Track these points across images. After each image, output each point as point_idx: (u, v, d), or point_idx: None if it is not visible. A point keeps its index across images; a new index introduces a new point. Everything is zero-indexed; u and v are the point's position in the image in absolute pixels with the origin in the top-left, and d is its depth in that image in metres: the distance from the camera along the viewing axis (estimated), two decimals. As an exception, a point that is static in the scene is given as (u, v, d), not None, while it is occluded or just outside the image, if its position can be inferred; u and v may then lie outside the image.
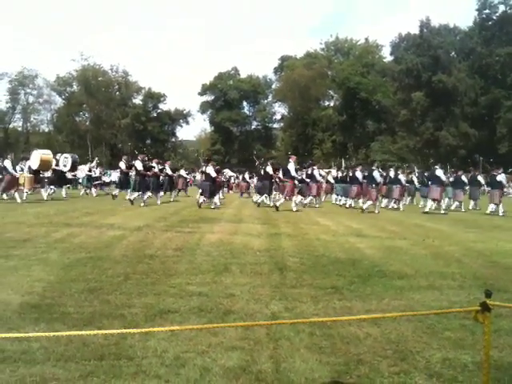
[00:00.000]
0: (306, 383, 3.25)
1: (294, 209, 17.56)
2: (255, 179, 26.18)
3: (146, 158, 20.86)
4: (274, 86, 79.97)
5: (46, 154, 21.10)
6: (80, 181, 29.64)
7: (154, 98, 76.57)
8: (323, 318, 4.43)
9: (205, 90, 76.76)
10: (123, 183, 22.60)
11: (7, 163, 19.24)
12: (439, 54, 58.84)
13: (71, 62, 79.06)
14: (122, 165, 22.40)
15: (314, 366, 3.48)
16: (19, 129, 73.23)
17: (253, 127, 79.79)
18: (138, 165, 18.94)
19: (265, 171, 20.54)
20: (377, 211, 18.17)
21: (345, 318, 4.46)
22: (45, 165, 20.34)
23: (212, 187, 18.39)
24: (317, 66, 68.06)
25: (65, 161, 22.49)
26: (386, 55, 69.87)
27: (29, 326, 4.09)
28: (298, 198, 18.75)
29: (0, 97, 72.49)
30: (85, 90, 69.00)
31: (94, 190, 26.29)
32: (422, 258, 8.02)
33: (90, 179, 26.66)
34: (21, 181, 19.19)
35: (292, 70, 69.33)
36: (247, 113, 79.51)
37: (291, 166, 18.31)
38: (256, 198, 21.26)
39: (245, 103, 78.80)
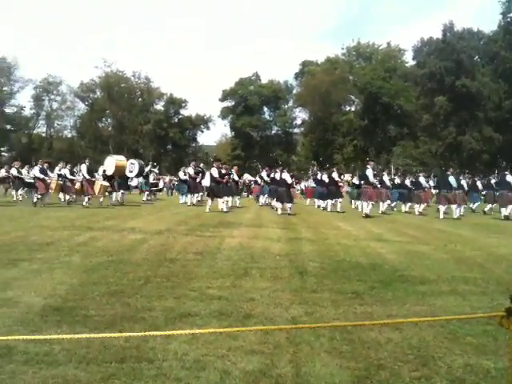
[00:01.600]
0: (326, 388, 3.24)
1: (381, 211, 18.14)
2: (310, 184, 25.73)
3: (221, 165, 20.66)
4: (294, 91, 79.90)
5: (121, 159, 21.58)
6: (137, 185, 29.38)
7: (176, 103, 76.94)
8: (344, 323, 4.41)
9: (225, 95, 76.87)
10: (193, 189, 22.67)
11: (83, 168, 19.57)
12: (462, 59, 58.13)
13: (94, 68, 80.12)
14: (191, 170, 22.61)
15: (334, 371, 3.46)
16: (43, 134, 74.19)
17: (273, 132, 79.56)
18: (214, 172, 18.73)
19: (330, 177, 20.82)
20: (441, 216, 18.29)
21: (366, 323, 4.42)
22: (119, 170, 20.71)
23: (289, 192, 18.65)
24: (338, 70, 67.85)
25: (131, 167, 22.59)
26: (409, 60, 69.31)
27: (51, 329, 4.14)
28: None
29: (25, 103, 73.41)
30: (107, 96, 69.70)
31: (146, 194, 25.83)
32: (444, 263, 7.93)
33: (147, 183, 26.24)
34: (96, 187, 19.42)
35: (312, 75, 69.17)
36: (268, 118, 79.38)
37: (369, 172, 18.36)
38: (320, 202, 21.50)
39: (265, 108, 78.61)
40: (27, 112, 71.29)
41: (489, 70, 60.09)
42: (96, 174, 20.61)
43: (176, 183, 34.97)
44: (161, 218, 14.85)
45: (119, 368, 3.42)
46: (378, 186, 19.17)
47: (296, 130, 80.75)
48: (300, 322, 4.54)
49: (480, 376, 3.45)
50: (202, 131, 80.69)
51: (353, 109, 72.59)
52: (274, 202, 19.99)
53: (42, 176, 19.41)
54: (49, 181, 19.94)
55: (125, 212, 16.83)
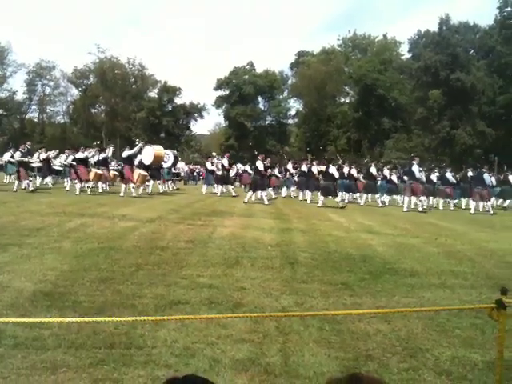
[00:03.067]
0: (314, 377, 3.26)
1: (420, 209, 17.97)
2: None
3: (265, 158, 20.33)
4: (289, 82, 79.75)
5: (159, 149, 21.28)
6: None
7: (170, 91, 76.37)
8: (333, 312, 4.42)
9: (220, 84, 76.48)
10: (226, 180, 22.73)
11: (126, 154, 19.39)
12: (458, 52, 58.14)
13: (88, 54, 79.23)
14: (225, 162, 22.50)
15: (322, 361, 3.49)
16: (35, 120, 73.64)
17: (267, 122, 79.43)
18: (260, 165, 18.65)
19: (368, 172, 21.09)
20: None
21: (354, 312, 4.46)
22: (157, 160, 20.52)
23: (333, 187, 18.77)
24: (333, 62, 67.66)
25: (165, 157, 22.43)
26: (405, 52, 69.22)
27: (41, 314, 4.14)
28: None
29: (17, 87, 72.86)
30: (101, 82, 69.16)
31: (170, 183, 25.44)
32: (434, 257, 7.98)
33: (169, 173, 25.32)
34: (135, 176, 19.13)
35: (308, 66, 69.01)
36: (262, 108, 79.23)
37: (415, 168, 18.50)
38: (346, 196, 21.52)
39: (260, 98, 78.31)
40: (19, 97, 70.58)
41: (484, 64, 60.15)
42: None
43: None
44: (152, 206, 14.81)
45: (108, 354, 3.43)
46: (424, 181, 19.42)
47: (290, 121, 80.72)
48: (290, 311, 4.56)
49: (467, 368, 3.49)
50: (196, 120, 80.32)
51: (347, 100, 72.51)
52: (307, 195, 20.88)
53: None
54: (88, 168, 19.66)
55: (116, 199, 16.77)
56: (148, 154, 19.98)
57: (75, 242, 7.55)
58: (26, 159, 19.29)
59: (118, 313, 4.26)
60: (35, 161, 21.19)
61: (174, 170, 27.36)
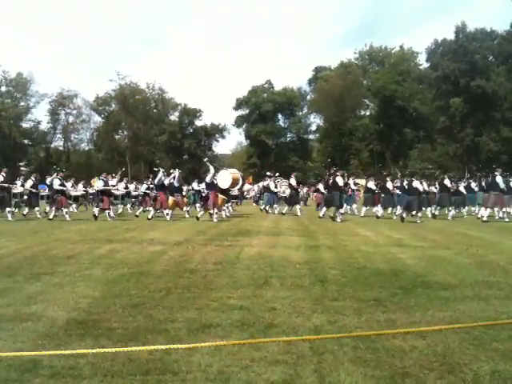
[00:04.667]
0: (351, 397, 3.21)
1: (507, 219, 18.66)
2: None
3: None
4: (308, 98, 79.96)
5: (235, 172, 21.48)
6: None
7: (190, 114, 77.07)
8: (368, 332, 4.37)
9: (239, 104, 77.18)
10: (292, 200, 22.90)
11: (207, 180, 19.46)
12: (476, 59, 57.73)
13: (108, 82, 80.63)
14: (293, 181, 22.72)
15: (358, 380, 3.43)
16: (60, 148, 75.01)
17: (288, 139, 79.66)
18: (340, 181, 18.80)
19: (442, 184, 21.22)
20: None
21: (389, 332, 4.38)
22: (234, 183, 20.62)
23: (418, 200, 18.84)
24: (351, 75, 67.68)
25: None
26: (422, 62, 68.94)
27: (75, 342, 4.17)
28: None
29: (41, 117, 74.54)
30: (123, 108, 70.26)
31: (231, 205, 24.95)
32: (467, 268, 7.84)
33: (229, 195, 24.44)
34: (218, 200, 19.07)
35: (326, 81, 69.14)
36: (282, 125, 79.54)
37: (499, 179, 18.99)
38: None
39: (280, 115, 78.78)
40: (44, 126, 72.25)
41: (503, 69, 59.52)
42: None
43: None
44: (179, 228, 14.91)
45: (144, 381, 3.42)
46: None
47: (311, 137, 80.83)
48: (322, 330, 4.51)
49: (508, 382, 3.40)
50: (218, 140, 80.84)
51: (367, 113, 72.32)
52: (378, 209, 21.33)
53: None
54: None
55: (143, 223, 16.93)
56: (225, 177, 19.85)
57: (106, 269, 7.63)
58: (109, 187, 19.67)
59: (151, 338, 4.27)
60: (116, 187, 21.43)
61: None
